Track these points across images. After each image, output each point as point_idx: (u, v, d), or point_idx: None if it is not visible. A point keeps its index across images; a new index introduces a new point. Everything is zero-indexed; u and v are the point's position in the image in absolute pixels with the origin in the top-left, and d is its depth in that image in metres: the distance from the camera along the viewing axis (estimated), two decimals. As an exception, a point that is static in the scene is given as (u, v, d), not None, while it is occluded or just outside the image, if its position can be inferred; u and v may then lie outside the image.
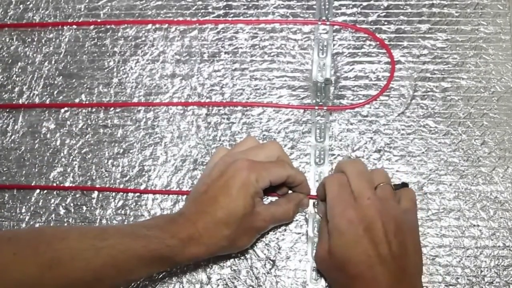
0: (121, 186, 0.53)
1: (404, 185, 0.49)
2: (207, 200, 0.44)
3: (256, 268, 0.49)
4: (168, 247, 0.42)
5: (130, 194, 0.53)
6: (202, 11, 0.57)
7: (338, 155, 0.52)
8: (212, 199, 0.44)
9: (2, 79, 0.57)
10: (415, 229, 0.45)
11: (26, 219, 0.53)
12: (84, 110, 0.56)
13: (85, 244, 0.40)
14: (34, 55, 0.58)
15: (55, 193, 0.53)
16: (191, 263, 0.49)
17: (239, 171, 0.44)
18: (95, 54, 0.57)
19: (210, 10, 0.57)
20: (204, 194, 0.44)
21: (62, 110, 0.56)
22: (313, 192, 0.50)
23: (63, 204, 0.53)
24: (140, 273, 0.44)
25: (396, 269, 0.41)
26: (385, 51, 0.55)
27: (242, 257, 0.50)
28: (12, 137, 0.55)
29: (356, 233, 0.42)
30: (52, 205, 0.53)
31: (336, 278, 0.44)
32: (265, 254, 0.50)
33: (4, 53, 0.58)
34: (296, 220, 0.50)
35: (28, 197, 0.53)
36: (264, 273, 0.49)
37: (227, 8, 0.57)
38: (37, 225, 0.52)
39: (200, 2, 0.58)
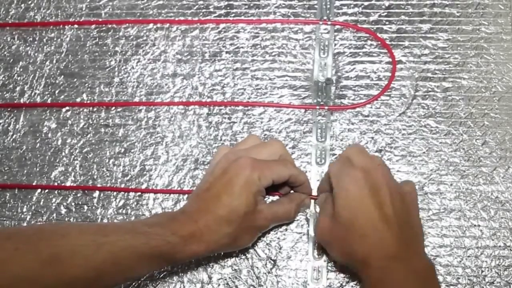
0: (122, 185, 0.53)
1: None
2: (209, 198, 0.44)
3: (257, 267, 0.50)
4: (168, 244, 0.42)
5: (131, 194, 0.53)
6: (203, 10, 0.57)
7: (339, 154, 0.52)
8: (214, 196, 0.44)
9: (3, 79, 0.57)
10: (416, 208, 0.45)
11: (27, 219, 0.53)
12: (85, 110, 0.56)
13: (85, 241, 0.40)
14: (36, 54, 0.58)
15: (56, 192, 0.53)
16: (192, 260, 0.49)
17: (242, 169, 0.44)
18: (97, 54, 0.57)
19: (212, 10, 0.57)
20: (206, 192, 0.44)
21: (64, 110, 0.56)
22: (314, 192, 0.50)
23: (64, 204, 0.53)
24: (140, 270, 0.44)
25: (401, 233, 0.41)
26: (386, 51, 0.55)
27: (243, 257, 0.50)
28: (14, 137, 0.55)
29: (361, 192, 0.41)
30: (53, 204, 0.53)
31: (341, 245, 0.43)
32: (266, 254, 0.50)
33: (5, 53, 0.58)
34: (297, 220, 0.50)
35: (29, 196, 0.53)
36: (265, 273, 0.49)
37: (228, 8, 0.57)
38: (38, 224, 0.52)
39: (201, 2, 0.58)
